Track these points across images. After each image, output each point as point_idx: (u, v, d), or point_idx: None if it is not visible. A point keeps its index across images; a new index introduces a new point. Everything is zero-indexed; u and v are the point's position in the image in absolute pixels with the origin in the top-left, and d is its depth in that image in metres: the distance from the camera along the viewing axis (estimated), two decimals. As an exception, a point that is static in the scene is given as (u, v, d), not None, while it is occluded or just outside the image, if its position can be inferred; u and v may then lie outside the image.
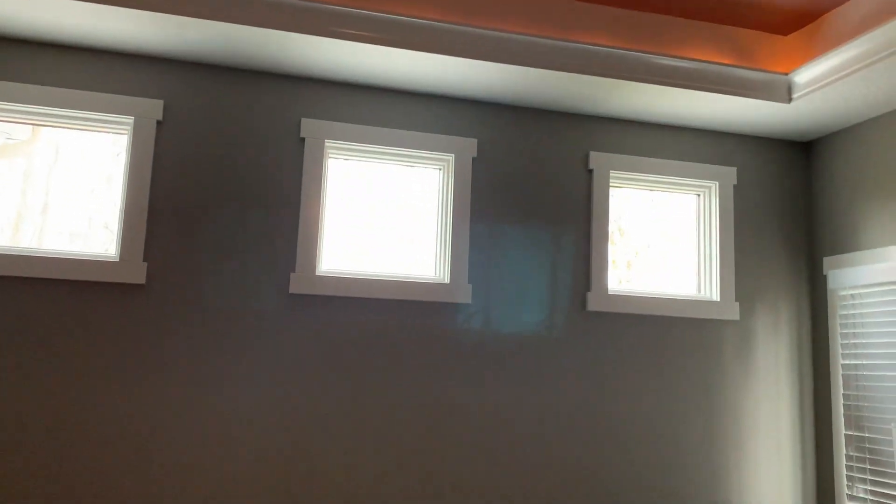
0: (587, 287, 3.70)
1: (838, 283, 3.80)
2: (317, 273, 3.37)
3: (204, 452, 3.13)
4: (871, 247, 3.63)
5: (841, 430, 3.73)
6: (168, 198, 3.25)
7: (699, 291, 3.94)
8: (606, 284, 3.71)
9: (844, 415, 3.73)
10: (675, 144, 3.95)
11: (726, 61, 3.51)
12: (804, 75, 3.43)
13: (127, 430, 3.07)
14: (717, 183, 3.97)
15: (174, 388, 3.14)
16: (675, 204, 3.99)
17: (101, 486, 3.02)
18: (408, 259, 3.55)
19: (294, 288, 3.30)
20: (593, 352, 3.66)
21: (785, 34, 3.61)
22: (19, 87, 3.13)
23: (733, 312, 3.85)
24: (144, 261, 3.18)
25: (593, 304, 3.67)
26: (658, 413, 3.70)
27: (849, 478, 3.68)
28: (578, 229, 3.74)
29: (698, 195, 4.02)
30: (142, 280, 3.14)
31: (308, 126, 3.43)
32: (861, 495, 3.61)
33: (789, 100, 3.53)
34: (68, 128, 3.26)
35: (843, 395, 3.74)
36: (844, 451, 3.71)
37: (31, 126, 3.24)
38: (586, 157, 3.81)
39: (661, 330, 3.76)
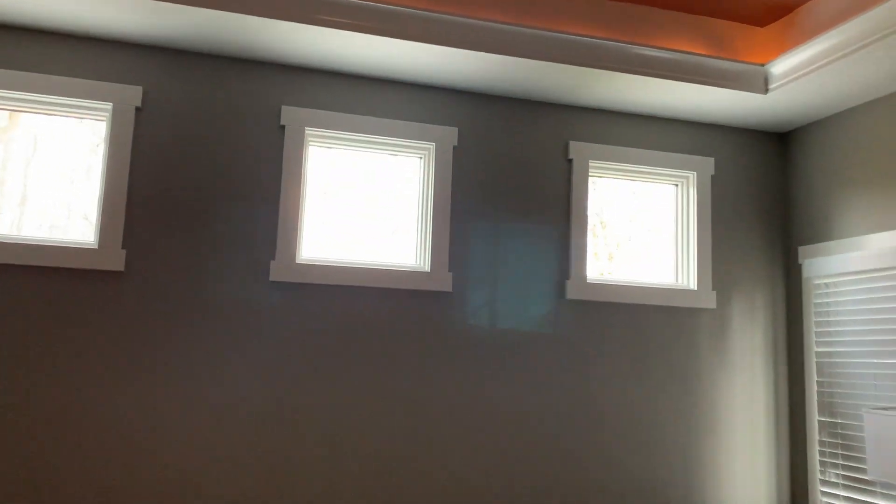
0: (566, 276, 3.73)
1: (813, 272, 3.86)
2: (297, 261, 3.38)
3: (184, 441, 3.14)
4: (846, 236, 3.69)
5: (814, 417, 3.80)
6: (147, 184, 3.24)
7: (677, 280, 3.98)
8: (585, 273, 3.75)
9: (818, 401, 3.80)
10: (653, 134, 3.98)
11: (704, 52, 3.55)
12: (780, 66, 3.47)
13: (105, 418, 3.07)
14: (695, 173, 4.01)
15: (152, 376, 3.14)
16: (654, 194, 4.03)
17: (79, 476, 3.02)
18: (389, 247, 3.56)
19: (274, 276, 3.30)
20: (572, 340, 3.69)
21: (762, 26, 3.65)
22: (-5, 72, 3.11)
23: (710, 301, 3.91)
24: (123, 248, 3.17)
25: (572, 292, 3.70)
26: (635, 399, 3.74)
27: (822, 463, 3.75)
28: (558, 218, 3.77)
29: (676, 185, 4.06)
30: (120, 267, 3.14)
31: (288, 114, 3.43)
32: (833, 480, 3.68)
33: (766, 90, 3.57)
34: (46, 114, 3.23)
35: (817, 381, 3.80)
36: (818, 437, 3.78)
37: (7, 112, 3.21)
38: (566, 146, 3.83)
39: (639, 318, 3.81)
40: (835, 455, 3.68)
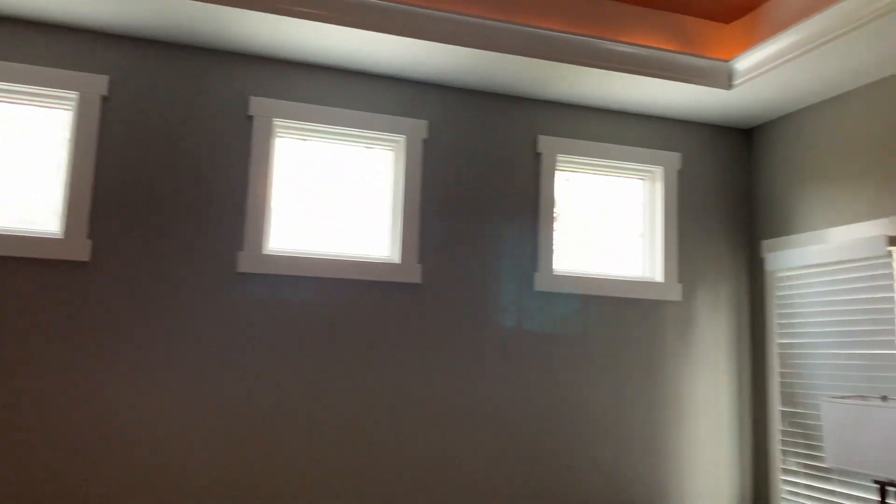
0: (535, 268, 3.77)
1: (775, 266, 3.94)
2: (265, 252, 3.38)
3: (149, 433, 3.13)
4: (807, 230, 3.77)
5: (776, 407, 3.87)
6: (114, 174, 3.22)
7: (643, 273, 4.04)
8: (553, 265, 3.79)
9: (780, 392, 3.87)
10: (621, 129, 4.03)
11: (670, 48, 3.60)
12: (744, 62, 3.53)
13: (69, 408, 3.05)
14: (662, 168, 4.07)
15: (117, 367, 3.12)
16: (622, 188, 4.08)
17: (41, 466, 3.00)
18: (360, 239, 3.57)
19: (242, 266, 3.30)
20: (540, 331, 3.73)
21: (727, 22, 3.71)
22: (-42, 59, 3.07)
23: (676, 293, 3.97)
24: (89, 238, 3.15)
25: (541, 284, 3.74)
26: (602, 390, 3.79)
27: (783, 452, 3.83)
28: (527, 211, 3.80)
29: (643, 180, 4.12)
30: (86, 257, 3.12)
31: (256, 104, 3.42)
32: (794, 468, 3.76)
33: (730, 86, 3.63)
34: (11, 102, 3.20)
35: (779, 372, 3.88)
36: (779, 427, 3.86)
37: (-30, 100, 3.18)
38: (535, 140, 3.87)
39: (606, 310, 3.86)
40: (795, 444, 3.76)
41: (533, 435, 3.65)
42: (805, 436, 3.70)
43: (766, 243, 4.03)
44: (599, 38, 3.44)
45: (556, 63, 3.42)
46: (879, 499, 2.91)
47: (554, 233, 3.82)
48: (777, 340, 3.90)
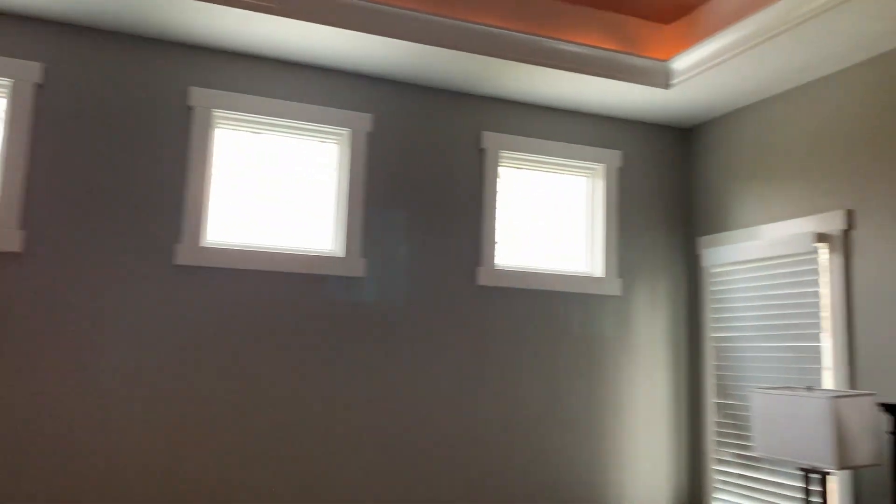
0: (478, 262, 3.81)
1: (710, 261, 4.05)
2: (203, 244, 3.34)
3: (81, 426, 3.07)
4: (741, 227, 3.89)
5: (711, 399, 3.98)
6: (48, 163, 3.15)
7: (584, 268, 4.11)
8: (495, 260, 3.83)
9: (714, 384, 3.99)
10: (564, 127, 4.10)
11: (611, 47, 3.67)
12: (681, 63, 3.62)
13: None
14: (604, 165, 4.15)
15: (49, 361, 3.06)
16: (565, 184, 4.14)
17: (-29, 460, 2.93)
18: (303, 232, 3.56)
19: (179, 259, 3.26)
20: (483, 325, 3.77)
21: (667, 23, 3.80)
22: None
23: (615, 288, 4.05)
24: (22, 228, 3.08)
25: (483, 278, 3.78)
26: (544, 383, 3.85)
27: (717, 442, 3.94)
28: (470, 206, 3.84)
29: (585, 177, 4.19)
30: (18, 248, 3.04)
31: (197, 95, 3.38)
32: (727, 458, 3.87)
33: (668, 86, 3.72)
34: (-63, 88, 3.11)
35: (713, 365, 3.99)
36: (713, 418, 3.97)
37: None
38: (479, 136, 3.90)
39: (547, 304, 3.91)
40: (728, 435, 3.87)
41: (474, 429, 3.69)
42: (737, 426, 3.82)
43: (702, 240, 4.15)
44: (542, 37, 3.49)
45: (499, 60, 3.45)
46: (804, 485, 3.02)
47: (496, 228, 3.86)
48: (711, 334, 4.02)
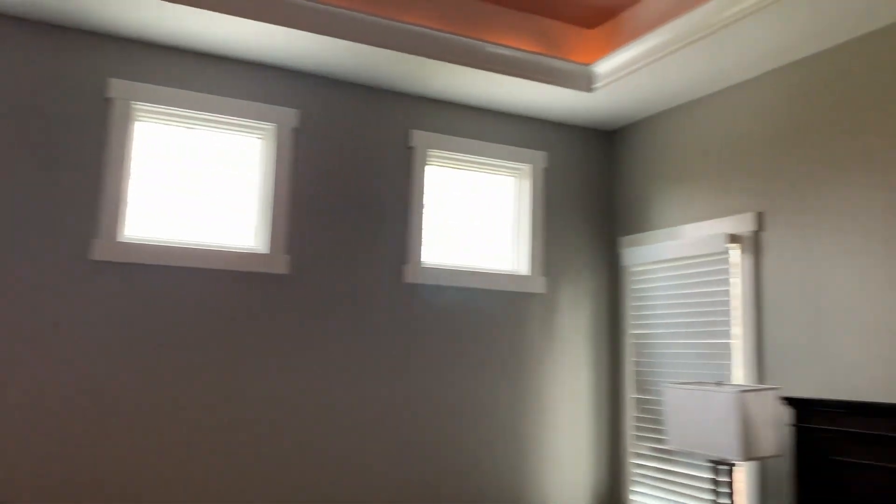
0: (404, 260, 3.83)
1: (631, 260, 4.17)
2: (121, 239, 3.27)
3: (-9, 425, 2.97)
4: (659, 227, 4.01)
5: (629, 394, 4.11)
6: (-46, 154, 3.03)
7: (510, 266, 4.18)
8: (422, 257, 3.86)
9: (632, 379, 4.11)
10: (492, 127, 4.15)
11: (537, 50, 3.74)
12: (603, 67, 3.72)
13: None
14: (530, 166, 4.22)
15: (-43, 357, 2.95)
16: (493, 183, 4.20)
17: None
18: (227, 228, 3.51)
19: (97, 254, 3.18)
20: (409, 323, 3.79)
21: (591, 28, 3.89)
22: None
23: (540, 286, 4.13)
24: (-76, 221, 2.96)
25: (410, 276, 3.80)
26: (468, 380, 3.90)
27: (636, 437, 4.06)
28: (398, 204, 3.85)
29: (512, 176, 4.26)
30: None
31: (116, 86, 3.30)
32: (644, 452, 4.00)
33: (590, 89, 3.81)
34: None
35: (633, 361, 4.12)
36: (632, 413, 4.09)
37: None
38: (407, 134, 3.92)
39: (473, 302, 3.96)
40: (646, 429, 4.00)
41: (397, 426, 3.71)
42: (654, 421, 3.94)
43: (623, 239, 4.27)
44: (471, 38, 3.53)
45: (429, 60, 3.48)
46: (713, 477, 3.14)
47: (424, 226, 3.89)
48: (631, 331, 4.14)
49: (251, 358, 3.44)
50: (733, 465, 3.05)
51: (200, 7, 3.02)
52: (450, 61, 3.51)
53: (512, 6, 3.70)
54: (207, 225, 3.48)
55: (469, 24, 3.60)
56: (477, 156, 4.08)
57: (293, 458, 3.47)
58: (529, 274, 4.12)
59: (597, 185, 4.42)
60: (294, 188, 3.62)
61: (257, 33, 3.24)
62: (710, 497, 3.50)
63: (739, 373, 3.43)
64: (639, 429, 4.05)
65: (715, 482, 3.12)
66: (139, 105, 3.36)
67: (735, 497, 3.03)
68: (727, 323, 3.52)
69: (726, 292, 3.54)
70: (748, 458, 2.89)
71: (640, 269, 4.12)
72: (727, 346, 3.51)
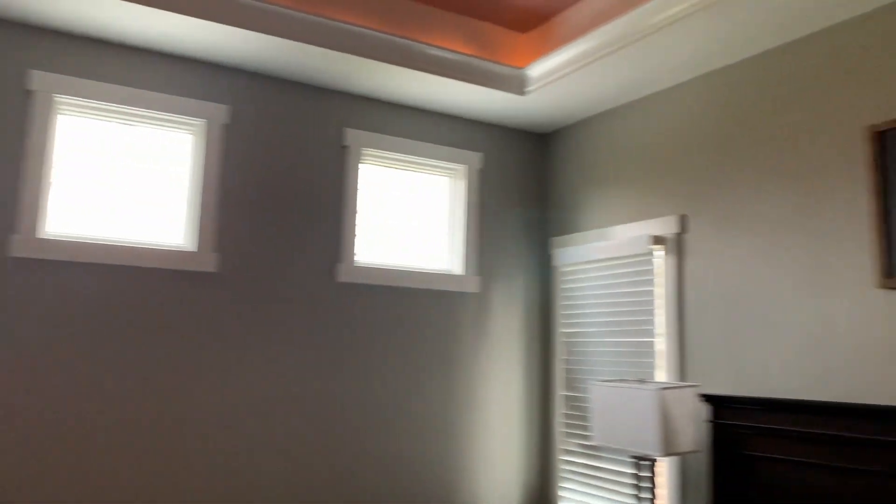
0: (337, 258, 3.82)
1: (562, 260, 4.25)
2: (41, 235, 3.18)
3: None
4: (589, 228, 4.10)
5: (559, 392, 4.19)
6: None
7: (445, 266, 4.21)
8: (355, 257, 3.86)
9: (562, 377, 4.19)
10: (427, 127, 4.18)
11: (471, 52, 3.78)
12: (536, 70, 3.78)
13: None
14: (465, 166, 4.26)
15: None
16: (427, 183, 4.22)
17: None
18: (153, 225, 3.44)
19: (15, 251, 3.09)
20: (342, 322, 3.79)
21: (524, 31, 3.95)
22: None
23: (473, 285, 4.17)
24: None
25: (343, 275, 3.80)
26: (403, 379, 3.92)
27: (565, 434, 4.15)
28: (331, 202, 3.84)
29: (447, 177, 4.29)
30: None
31: (37, 79, 3.21)
32: (572, 448, 4.08)
33: (523, 92, 3.87)
34: None
35: (563, 360, 4.20)
36: (561, 411, 4.17)
37: None
38: (342, 133, 3.92)
39: (407, 301, 3.98)
40: (574, 426, 4.08)
41: (330, 426, 3.70)
42: (581, 417, 4.03)
43: (554, 240, 4.35)
44: (405, 39, 3.55)
45: (363, 59, 3.48)
46: (636, 472, 3.23)
47: (358, 225, 3.89)
48: (561, 330, 4.22)
49: (177, 357, 3.39)
50: (654, 460, 3.14)
51: (128, 0, 2.96)
52: (384, 61, 3.52)
53: (447, 8, 3.73)
54: (134, 222, 3.41)
55: (404, 25, 3.61)
56: (412, 155, 4.10)
57: (221, 457, 3.43)
58: (463, 273, 4.16)
59: (530, 187, 4.49)
60: (224, 185, 3.58)
61: (187, 27, 3.20)
62: (633, 492, 3.60)
63: (662, 371, 3.54)
64: (568, 426, 4.13)
65: (637, 477, 3.21)
66: (62, 98, 3.27)
67: (656, 491, 3.13)
68: (651, 322, 3.62)
69: (651, 292, 3.64)
70: (668, 454, 2.98)
71: (571, 269, 4.21)
72: (651, 345, 3.61)
